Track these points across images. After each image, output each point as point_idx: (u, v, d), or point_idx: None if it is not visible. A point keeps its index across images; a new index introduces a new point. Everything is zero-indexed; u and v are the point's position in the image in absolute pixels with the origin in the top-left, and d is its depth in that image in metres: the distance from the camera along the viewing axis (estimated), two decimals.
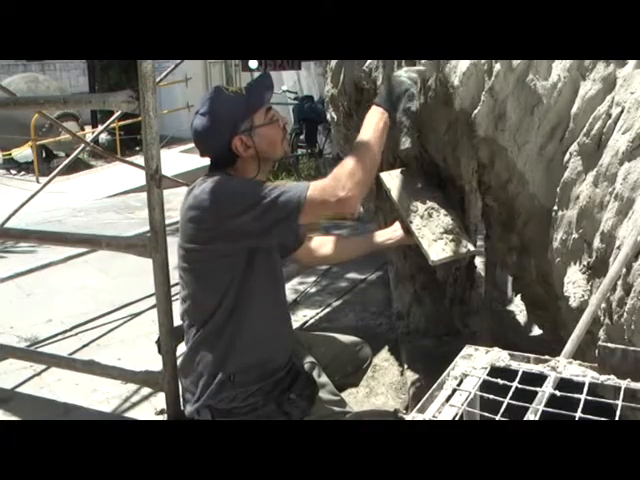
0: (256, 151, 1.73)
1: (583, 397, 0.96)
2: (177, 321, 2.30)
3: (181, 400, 1.95)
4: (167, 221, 2.22)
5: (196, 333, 1.74)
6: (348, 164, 1.63)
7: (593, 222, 1.60)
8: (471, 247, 1.98)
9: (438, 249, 1.90)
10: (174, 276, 1.99)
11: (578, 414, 0.90)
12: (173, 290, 2.26)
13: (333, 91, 2.58)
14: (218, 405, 1.68)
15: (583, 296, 1.62)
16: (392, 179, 2.02)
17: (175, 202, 7.32)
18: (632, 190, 1.46)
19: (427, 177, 2.15)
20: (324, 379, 1.88)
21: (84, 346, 3.32)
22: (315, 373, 1.84)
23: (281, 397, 1.71)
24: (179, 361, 1.93)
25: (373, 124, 1.76)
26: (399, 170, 2.08)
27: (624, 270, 1.40)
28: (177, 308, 1.93)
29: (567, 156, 1.72)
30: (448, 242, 1.93)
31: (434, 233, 1.93)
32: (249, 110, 1.73)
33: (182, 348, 1.97)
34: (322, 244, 2.08)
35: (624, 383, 0.99)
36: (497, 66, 1.75)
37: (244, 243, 1.65)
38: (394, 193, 1.99)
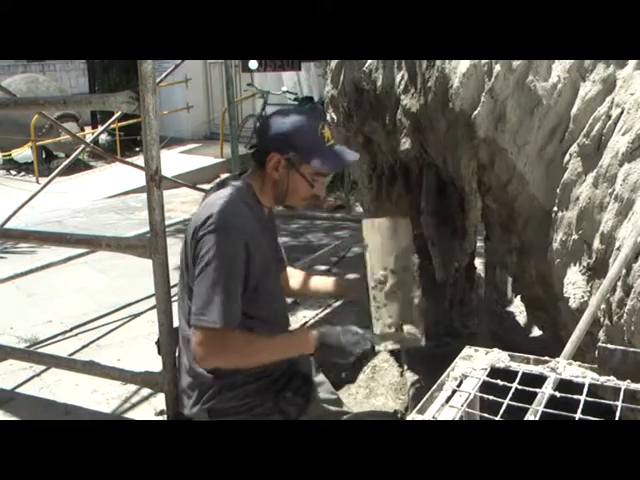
0: (277, 182, 1.68)
1: (583, 398, 0.96)
2: (177, 322, 2.30)
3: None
4: (167, 222, 2.22)
5: (188, 322, 1.72)
6: (248, 351, 1.63)
7: (593, 223, 1.60)
8: (423, 340, 1.92)
9: (388, 338, 1.82)
10: (174, 277, 1.99)
11: (578, 415, 0.90)
12: (173, 291, 2.25)
13: (333, 92, 2.58)
14: (215, 405, 1.68)
15: (583, 297, 1.62)
16: (373, 230, 1.84)
17: (175, 203, 7.35)
18: (632, 191, 1.46)
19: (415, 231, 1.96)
20: (321, 377, 1.88)
21: (84, 347, 3.33)
22: (312, 371, 1.85)
23: (277, 396, 1.71)
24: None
25: (291, 348, 1.69)
26: (384, 220, 1.89)
27: (624, 271, 1.40)
28: (176, 308, 1.92)
29: (567, 157, 1.72)
30: (400, 332, 1.83)
31: (391, 317, 1.81)
32: (309, 157, 1.65)
33: None
34: (290, 276, 2.04)
35: (624, 384, 0.99)
36: (497, 67, 1.75)
37: None
38: (369, 250, 1.81)
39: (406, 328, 1.86)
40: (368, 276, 1.80)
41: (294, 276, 2.01)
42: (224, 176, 1.83)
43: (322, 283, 2.00)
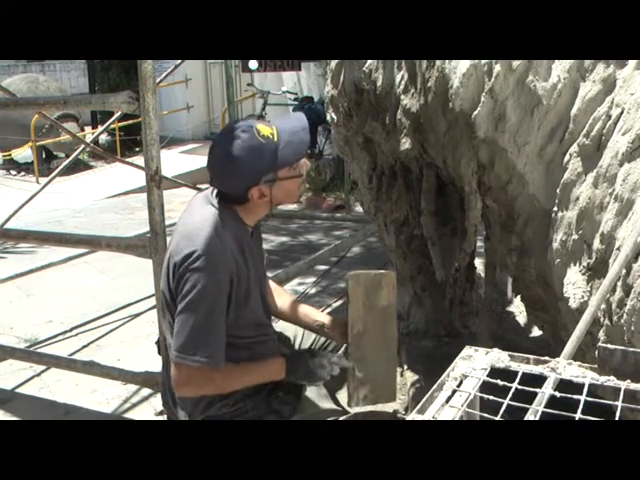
0: (270, 200, 1.66)
1: (583, 398, 0.96)
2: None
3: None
4: (167, 222, 2.22)
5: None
6: (224, 385, 1.63)
7: (593, 223, 1.60)
8: (396, 406, 1.90)
9: (361, 395, 1.83)
10: None
11: (578, 415, 0.90)
12: None
13: (333, 92, 2.58)
14: (209, 415, 1.68)
15: (583, 297, 1.62)
16: (358, 285, 1.81)
17: (175, 203, 7.36)
18: (632, 191, 1.46)
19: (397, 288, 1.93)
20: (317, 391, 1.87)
21: (84, 347, 3.33)
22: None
23: (269, 396, 1.71)
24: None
25: (264, 375, 1.69)
26: (370, 275, 1.85)
27: (624, 271, 1.40)
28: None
29: (567, 157, 1.72)
30: (374, 392, 1.86)
31: (367, 375, 1.82)
32: (278, 165, 1.61)
33: None
34: (278, 296, 1.99)
35: (624, 384, 0.99)
36: (497, 67, 1.75)
37: None
38: (351, 304, 1.80)
39: (378, 393, 1.86)
40: (348, 330, 1.79)
41: (280, 297, 1.95)
42: (197, 193, 1.79)
43: (308, 314, 1.94)
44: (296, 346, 1.96)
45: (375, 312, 1.83)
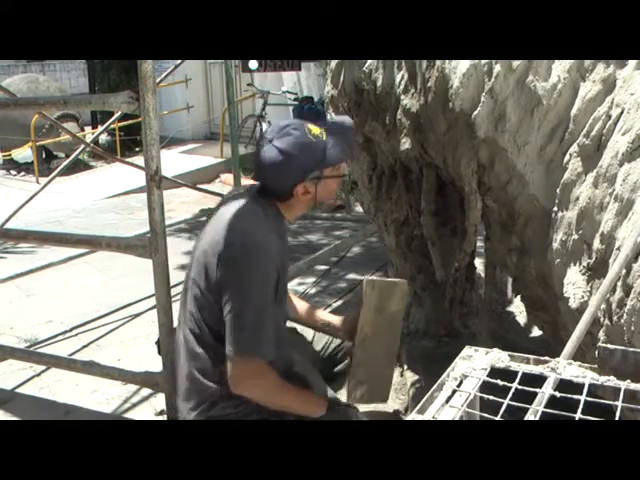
0: (314, 197, 1.72)
1: (583, 398, 0.96)
2: (177, 322, 2.30)
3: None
4: (167, 222, 2.22)
5: (198, 339, 1.70)
6: (280, 391, 1.65)
7: (593, 223, 1.60)
8: (397, 406, 2.02)
9: (358, 394, 1.93)
10: (174, 277, 1.99)
11: (578, 415, 0.90)
12: (173, 291, 2.26)
13: (333, 92, 2.58)
14: (213, 415, 1.68)
15: (583, 297, 1.62)
16: (372, 290, 1.89)
17: (175, 203, 7.34)
18: (632, 191, 1.46)
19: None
20: (316, 377, 1.87)
21: (84, 347, 3.33)
22: (308, 372, 1.84)
23: None
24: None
25: (309, 407, 1.71)
26: (384, 283, 1.96)
27: (624, 271, 1.40)
28: (176, 309, 1.92)
29: (567, 157, 1.72)
30: (371, 391, 1.96)
31: (366, 376, 1.92)
32: (325, 163, 1.70)
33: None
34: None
35: (624, 384, 0.99)
36: (497, 67, 1.75)
37: None
38: (364, 308, 1.88)
39: (377, 390, 1.98)
40: (357, 332, 1.88)
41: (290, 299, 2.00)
42: (232, 191, 1.82)
43: (312, 313, 2.01)
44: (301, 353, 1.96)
45: (383, 317, 1.92)
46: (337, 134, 1.73)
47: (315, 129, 1.70)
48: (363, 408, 1.92)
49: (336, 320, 1.99)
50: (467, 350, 1.16)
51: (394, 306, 1.93)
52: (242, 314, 1.57)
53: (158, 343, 2.20)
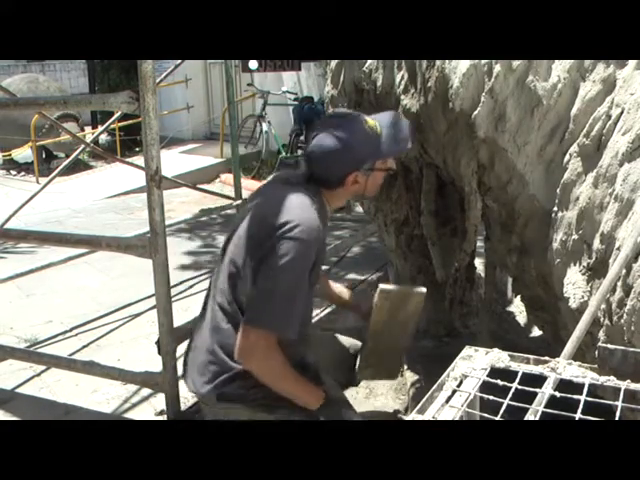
0: (363, 189, 1.75)
1: (583, 398, 0.96)
2: (177, 322, 2.30)
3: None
4: (167, 222, 2.22)
5: (226, 314, 1.71)
6: (284, 371, 1.65)
7: (593, 223, 1.60)
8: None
9: (368, 373, 2.10)
10: (174, 277, 1.99)
11: (578, 415, 0.90)
12: (173, 291, 2.26)
13: (333, 92, 2.58)
14: (226, 391, 1.67)
15: (583, 297, 1.62)
16: (386, 298, 1.95)
17: (175, 203, 7.33)
18: (632, 191, 1.46)
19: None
20: (329, 380, 1.87)
21: (84, 347, 3.32)
22: (319, 368, 1.85)
23: None
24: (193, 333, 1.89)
25: (306, 396, 1.71)
26: (399, 292, 2.02)
27: (624, 271, 1.40)
28: (176, 309, 1.91)
29: (567, 157, 1.72)
30: (379, 373, 2.13)
31: (376, 362, 2.04)
32: (380, 154, 1.74)
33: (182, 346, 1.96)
34: None
35: (624, 384, 0.99)
36: (497, 67, 1.75)
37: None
38: (376, 308, 1.95)
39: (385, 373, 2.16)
40: (369, 328, 1.99)
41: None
42: (278, 174, 1.90)
43: (339, 292, 2.16)
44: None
45: (396, 322, 2.00)
46: (390, 127, 1.77)
47: (371, 121, 1.74)
48: (361, 408, 1.92)
49: (356, 302, 2.14)
50: (467, 350, 1.16)
51: (409, 315, 2.00)
52: (276, 287, 1.59)
53: (158, 343, 2.20)
